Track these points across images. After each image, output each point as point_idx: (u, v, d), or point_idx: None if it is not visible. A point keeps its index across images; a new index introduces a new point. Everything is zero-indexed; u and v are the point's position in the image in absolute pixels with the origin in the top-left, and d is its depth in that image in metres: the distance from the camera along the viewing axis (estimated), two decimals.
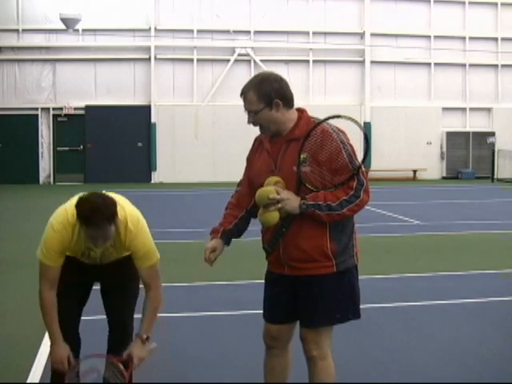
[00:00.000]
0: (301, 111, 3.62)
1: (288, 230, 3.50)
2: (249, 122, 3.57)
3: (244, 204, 3.77)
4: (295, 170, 3.45)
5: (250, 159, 3.78)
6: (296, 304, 3.64)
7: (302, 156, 3.43)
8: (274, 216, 3.45)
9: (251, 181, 3.69)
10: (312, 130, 3.46)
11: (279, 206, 3.41)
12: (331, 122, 3.56)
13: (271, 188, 3.44)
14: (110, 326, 4.29)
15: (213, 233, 3.78)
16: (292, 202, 3.43)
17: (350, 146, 3.50)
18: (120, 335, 4.24)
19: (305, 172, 3.44)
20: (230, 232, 3.76)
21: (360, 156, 3.52)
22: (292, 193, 3.46)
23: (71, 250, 3.85)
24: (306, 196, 3.45)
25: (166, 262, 9.27)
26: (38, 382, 4.68)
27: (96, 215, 3.51)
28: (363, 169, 3.51)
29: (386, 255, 9.81)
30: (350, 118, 3.53)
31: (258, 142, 3.72)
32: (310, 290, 3.58)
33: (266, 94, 3.46)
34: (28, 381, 4.69)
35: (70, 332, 4.16)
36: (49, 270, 3.78)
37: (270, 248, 3.58)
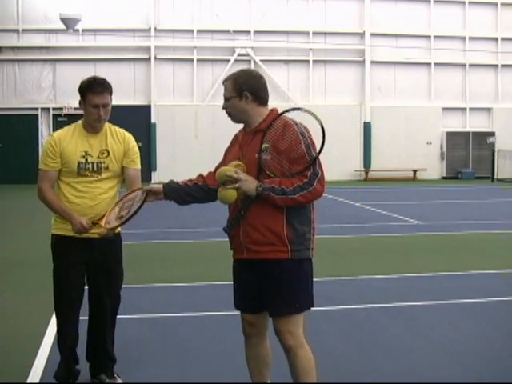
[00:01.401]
0: (272, 110, 3.91)
1: (247, 213, 3.72)
2: (223, 107, 3.89)
3: (208, 180, 4.00)
4: (257, 156, 3.72)
5: (226, 151, 4.05)
6: (262, 294, 3.80)
7: (264, 145, 3.71)
8: (230, 194, 3.68)
9: None
10: (274, 121, 3.76)
11: (236, 185, 3.66)
12: (297, 118, 3.79)
13: (230, 168, 3.71)
14: (90, 311, 4.55)
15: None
16: (249, 183, 3.67)
17: (310, 139, 3.74)
18: (99, 316, 4.53)
19: (265, 159, 3.71)
20: (176, 187, 3.96)
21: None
22: (251, 176, 3.71)
23: (67, 154, 4.30)
24: (265, 180, 3.69)
25: (166, 262, 9.35)
26: (37, 382, 4.68)
27: (98, 80, 4.31)
28: (319, 160, 3.75)
29: (386, 255, 9.81)
30: (308, 112, 3.77)
31: (234, 138, 4.03)
32: (269, 277, 3.75)
33: (239, 85, 3.81)
34: (28, 381, 4.69)
35: (71, 323, 4.46)
36: (46, 173, 4.35)
37: (227, 228, 3.79)
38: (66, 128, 4.48)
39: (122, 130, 4.52)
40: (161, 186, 3.96)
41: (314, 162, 3.69)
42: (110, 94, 4.34)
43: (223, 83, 3.87)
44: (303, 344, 3.80)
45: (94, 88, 4.26)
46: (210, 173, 4.07)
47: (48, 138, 4.42)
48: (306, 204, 3.74)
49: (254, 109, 3.81)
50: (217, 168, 3.99)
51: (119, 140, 4.44)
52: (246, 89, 3.78)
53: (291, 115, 3.82)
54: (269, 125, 3.74)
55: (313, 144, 3.72)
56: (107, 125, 4.44)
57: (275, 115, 3.84)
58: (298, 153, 3.67)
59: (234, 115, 3.86)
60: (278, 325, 3.79)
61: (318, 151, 3.72)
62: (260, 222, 3.70)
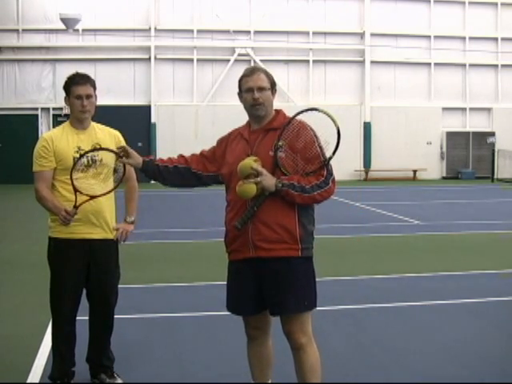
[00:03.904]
0: (278, 110, 3.96)
1: (259, 210, 3.70)
2: (255, 96, 3.81)
3: (192, 163, 3.99)
4: (271, 154, 3.74)
5: (221, 144, 4.01)
6: (262, 294, 3.80)
7: (279, 143, 3.73)
8: (251, 188, 3.65)
9: (228, 166, 3.87)
10: (292, 119, 3.79)
11: (258, 179, 3.65)
12: (308, 119, 3.82)
13: (252, 162, 3.68)
14: (93, 310, 4.62)
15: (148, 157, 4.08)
16: (269, 178, 3.68)
17: (321, 141, 3.83)
18: (104, 315, 4.60)
19: (280, 157, 3.73)
20: (157, 168, 3.95)
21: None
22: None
23: (61, 151, 4.35)
24: (282, 177, 3.71)
25: (166, 262, 9.35)
26: (37, 382, 4.68)
27: (80, 74, 4.48)
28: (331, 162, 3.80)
29: (386, 255, 9.81)
30: (325, 113, 3.81)
31: (234, 135, 4.01)
32: (278, 275, 3.74)
33: (272, 80, 3.90)
34: (28, 381, 4.69)
35: (70, 324, 4.52)
36: (42, 174, 4.39)
37: (239, 225, 3.72)
38: (54, 129, 4.59)
39: (107, 127, 4.65)
40: (140, 161, 3.92)
41: (328, 162, 3.76)
42: (93, 87, 4.45)
43: (254, 73, 3.84)
44: (313, 342, 3.84)
45: (76, 80, 4.40)
46: (193, 155, 4.04)
47: (39, 140, 4.46)
48: (320, 202, 3.80)
49: (273, 104, 3.89)
50: (203, 153, 4.00)
51: (109, 135, 4.55)
52: (274, 84, 3.88)
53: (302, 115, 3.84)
54: (285, 123, 3.76)
55: (322, 146, 3.79)
56: (93, 123, 4.53)
57: (284, 115, 3.89)
58: (312, 153, 3.73)
59: (266, 107, 3.84)
60: (289, 325, 3.80)
61: (333, 152, 3.77)
62: (273, 219, 3.71)
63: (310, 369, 3.80)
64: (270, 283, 3.76)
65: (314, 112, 3.86)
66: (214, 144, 4.12)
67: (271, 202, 3.70)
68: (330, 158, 3.77)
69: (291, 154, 3.72)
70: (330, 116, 3.78)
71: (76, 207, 4.20)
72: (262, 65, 24.15)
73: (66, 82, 4.44)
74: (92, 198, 4.23)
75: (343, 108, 25.03)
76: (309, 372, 3.81)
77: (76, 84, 4.38)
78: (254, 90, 3.80)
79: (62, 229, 4.35)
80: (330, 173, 3.78)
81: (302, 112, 3.82)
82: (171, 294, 7.42)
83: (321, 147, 3.76)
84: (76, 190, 4.17)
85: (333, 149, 3.77)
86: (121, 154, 3.95)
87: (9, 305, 6.97)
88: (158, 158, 4.07)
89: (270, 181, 3.66)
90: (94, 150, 4.27)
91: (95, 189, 4.31)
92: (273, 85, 3.86)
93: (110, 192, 4.34)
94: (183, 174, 3.97)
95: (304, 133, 3.75)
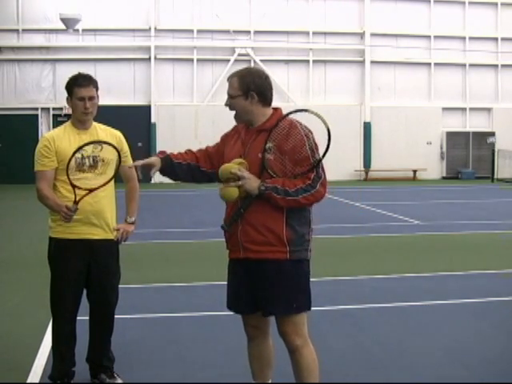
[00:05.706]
0: (275, 109, 3.87)
1: (246, 212, 3.68)
2: (226, 103, 3.85)
3: (201, 160, 3.97)
4: (260, 156, 3.69)
5: (224, 140, 3.97)
6: (255, 294, 3.79)
7: (268, 145, 3.67)
8: (233, 192, 3.65)
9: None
10: (280, 120, 3.71)
11: (239, 183, 3.63)
12: (302, 120, 3.77)
13: (233, 165, 3.68)
14: (94, 311, 4.61)
15: (160, 153, 3.98)
16: (252, 182, 3.64)
17: (314, 141, 3.72)
18: (104, 315, 4.60)
19: (269, 159, 3.68)
20: (171, 164, 3.90)
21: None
22: (253, 175, 3.67)
23: (62, 151, 4.33)
24: (267, 180, 3.67)
25: (166, 262, 9.35)
26: (37, 382, 4.68)
27: (83, 75, 4.48)
28: (322, 164, 3.73)
29: (386, 255, 9.81)
30: (316, 114, 3.74)
31: (234, 131, 3.97)
32: (266, 277, 3.72)
33: (246, 84, 3.74)
34: (28, 381, 4.69)
35: (70, 324, 4.51)
36: (43, 173, 4.38)
37: (226, 226, 3.74)
38: (56, 129, 4.58)
39: (109, 127, 4.63)
40: (159, 164, 3.85)
41: (317, 164, 3.67)
42: (96, 88, 4.45)
43: (228, 80, 3.82)
44: (308, 343, 3.81)
45: (79, 81, 4.41)
46: (200, 151, 4.00)
47: (41, 140, 4.46)
48: (307, 205, 3.72)
49: (258, 109, 3.77)
50: (209, 150, 3.97)
51: (110, 135, 4.53)
52: (253, 89, 3.73)
53: (296, 116, 3.78)
54: (274, 124, 3.70)
55: (316, 147, 3.71)
56: (95, 123, 4.53)
57: (279, 115, 3.80)
58: (301, 154, 3.65)
59: (238, 114, 3.81)
60: (282, 326, 3.79)
61: (322, 154, 3.70)
62: (259, 221, 3.68)
63: (307, 371, 3.79)
64: (259, 284, 3.76)
65: (306, 112, 3.79)
66: (218, 141, 4.08)
67: (259, 204, 3.67)
68: (320, 160, 3.68)
69: (279, 156, 3.66)
70: (320, 117, 3.71)
71: (76, 202, 4.18)
72: (261, 65, 24.19)
73: (69, 83, 4.44)
74: (91, 191, 4.21)
75: (343, 108, 25.06)
76: (305, 374, 3.80)
77: (79, 86, 4.38)
78: (228, 97, 3.82)
79: (62, 229, 4.35)
80: (319, 176, 3.68)
81: (291, 113, 3.77)
82: (171, 293, 7.42)
83: (312, 149, 3.67)
84: (74, 186, 4.17)
85: (323, 151, 3.71)
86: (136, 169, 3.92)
87: (9, 304, 6.97)
88: (172, 153, 4.01)
89: (252, 184, 3.62)
90: (91, 142, 4.25)
91: (94, 183, 4.30)
92: (247, 90, 3.72)
93: (107, 183, 4.30)
94: (194, 172, 3.96)
95: (293, 134, 3.67)
